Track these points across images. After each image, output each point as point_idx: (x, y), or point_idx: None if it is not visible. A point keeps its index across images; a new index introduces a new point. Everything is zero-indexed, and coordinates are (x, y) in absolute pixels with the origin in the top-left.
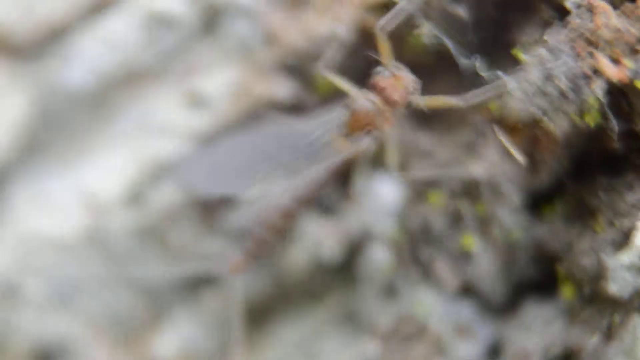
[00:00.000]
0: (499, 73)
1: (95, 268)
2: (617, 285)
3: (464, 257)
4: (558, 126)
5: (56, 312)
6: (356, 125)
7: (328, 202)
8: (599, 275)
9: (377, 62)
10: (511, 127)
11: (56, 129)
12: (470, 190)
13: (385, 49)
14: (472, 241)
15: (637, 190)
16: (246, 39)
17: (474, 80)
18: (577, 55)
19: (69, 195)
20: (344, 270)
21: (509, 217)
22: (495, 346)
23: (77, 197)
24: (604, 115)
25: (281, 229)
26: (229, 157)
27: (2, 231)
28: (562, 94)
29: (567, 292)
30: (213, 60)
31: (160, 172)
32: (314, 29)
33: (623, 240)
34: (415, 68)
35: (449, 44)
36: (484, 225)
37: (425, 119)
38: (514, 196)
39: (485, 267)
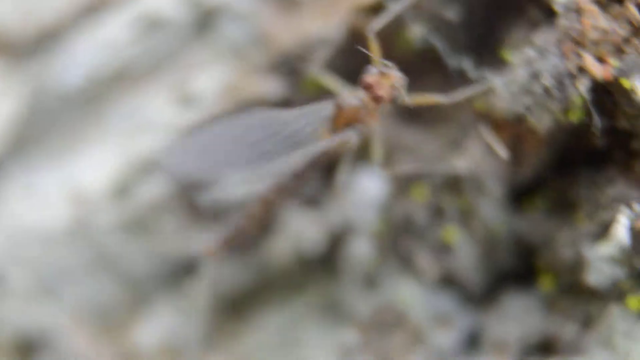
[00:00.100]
0: (486, 72)
1: (80, 259)
2: (596, 277)
3: (445, 249)
4: (542, 123)
5: (40, 303)
6: (342, 120)
7: (312, 194)
8: (577, 266)
9: (368, 62)
10: (496, 124)
11: (48, 125)
12: (453, 184)
13: (375, 49)
14: (453, 233)
15: (618, 184)
16: (237, 40)
17: (461, 80)
18: (564, 55)
19: (57, 188)
20: (326, 261)
21: (491, 210)
22: (474, 336)
23: (65, 190)
24: (587, 113)
25: (260, 217)
26: (214, 144)
27: None
28: (547, 92)
29: (546, 283)
30: (204, 60)
31: (147, 166)
32: (306, 30)
33: (602, 233)
34: (404, 67)
35: (437, 44)
36: (466, 218)
37: (410, 115)
38: (496, 190)
39: (466, 258)
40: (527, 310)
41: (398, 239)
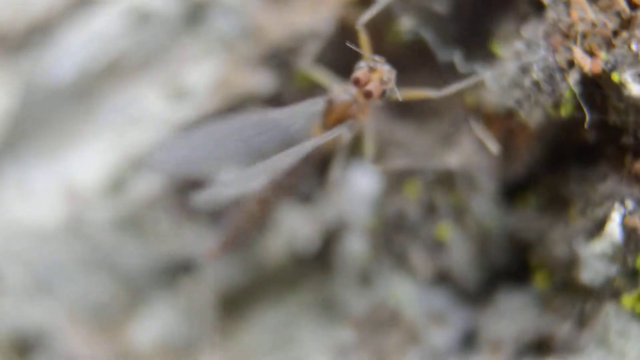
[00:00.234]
0: (476, 66)
1: (75, 256)
2: (589, 274)
3: (438, 246)
4: (533, 118)
5: (35, 301)
6: (334, 117)
7: (305, 191)
8: (571, 264)
9: (358, 56)
10: (487, 119)
11: (40, 120)
12: (445, 180)
13: (365, 43)
14: (446, 230)
15: (610, 181)
16: (228, 33)
17: (451, 73)
18: (553, 49)
19: (50, 184)
20: (320, 258)
21: (483, 206)
22: (469, 333)
23: (58, 186)
24: (577, 107)
25: (258, 217)
26: (205, 143)
27: None
28: (537, 86)
29: (540, 280)
30: (195, 54)
31: (139, 162)
32: (296, 23)
33: (595, 230)
34: (394, 61)
35: (427, 37)
36: (459, 214)
37: (402, 110)
38: (488, 186)
39: (460, 255)
40: (522, 308)
41: (391, 236)
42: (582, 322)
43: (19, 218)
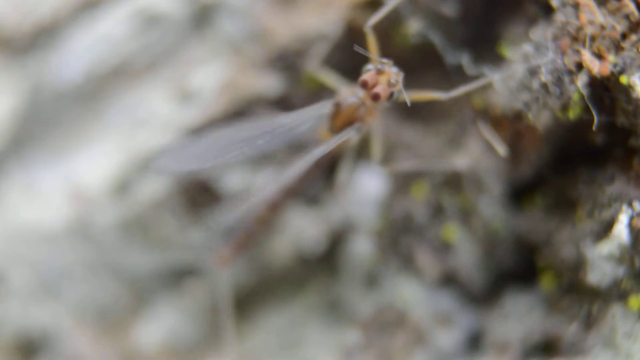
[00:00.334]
0: (484, 68)
1: (80, 258)
2: (596, 276)
3: (445, 247)
4: (541, 120)
5: (40, 302)
6: (341, 119)
7: (312, 193)
8: (578, 265)
9: (366, 58)
10: (495, 121)
11: (47, 122)
12: (453, 182)
13: (372, 45)
14: (453, 232)
15: (617, 182)
16: (235, 35)
17: (459, 76)
18: (562, 51)
19: (57, 186)
20: (327, 260)
21: (491, 208)
22: (476, 335)
23: (64, 188)
24: (586, 110)
25: (268, 221)
26: (213, 147)
27: None
28: (546, 89)
29: (546, 282)
30: (202, 56)
31: (146, 164)
32: (303, 25)
33: (602, 231)
34: (402, 64)
35: (435, 40)
36: (466, 216)
37: (409, 112)
38: (495, 188)
39: (466, 257)
40: (529, 309)
41: (398, 237)
42: (589, 323)
43: (25, 220)
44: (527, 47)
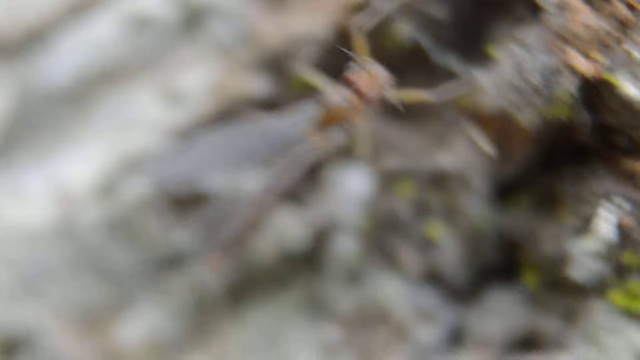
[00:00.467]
0: (472, 69)
1: (63, 257)
2: (579, 272)
3: (428, 244)
4: (529, 120)
5: (23, 302)
6: (329, 120)
7: (296, 191)
8: (561, 261)
9: (353, 60)
10: (483, 121)
11: (34, 124)
12: (438, 180)
13: (361, 46)
14: (437, 229)
15: (603, 180)
16: (225, 38)
17: (447, 76)
18: (550, 52)
19: (41, 186)
20: (310, 258)
21: (475, 206)
22: (458, 332)
23: (49, 188)
24: (574, 109)
25: (256, 223)
26: (204, 154)
27: None
28: (534, 89)
29: (529, 278)
30: (191, 59)
31: (132, 165)
32: (293, 28)
33: (586, 228)
34: (390, 64)
35: (424, 41)
36: (450, 214)
37: (396, 112)
38: (481, 186)
39: (450, 254)
40: (511, 306)
41: (382, 235)
42: (571, 319)
43: (10, 220)
44: (516, 48)
